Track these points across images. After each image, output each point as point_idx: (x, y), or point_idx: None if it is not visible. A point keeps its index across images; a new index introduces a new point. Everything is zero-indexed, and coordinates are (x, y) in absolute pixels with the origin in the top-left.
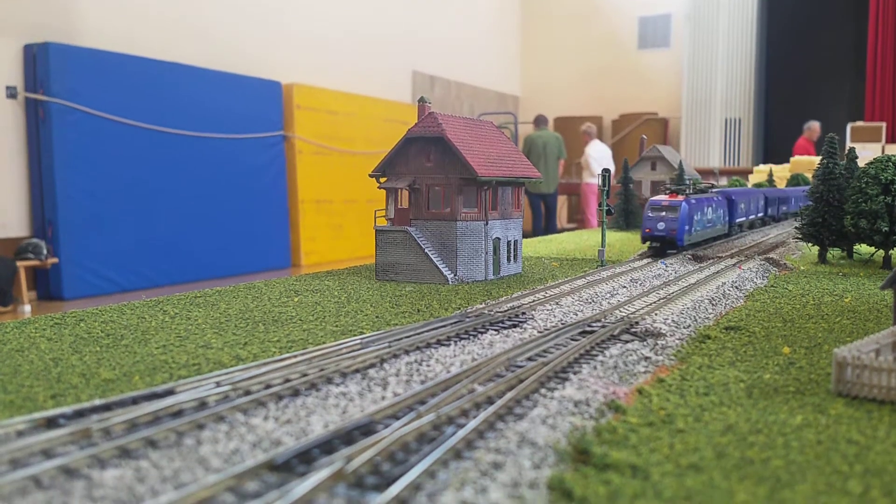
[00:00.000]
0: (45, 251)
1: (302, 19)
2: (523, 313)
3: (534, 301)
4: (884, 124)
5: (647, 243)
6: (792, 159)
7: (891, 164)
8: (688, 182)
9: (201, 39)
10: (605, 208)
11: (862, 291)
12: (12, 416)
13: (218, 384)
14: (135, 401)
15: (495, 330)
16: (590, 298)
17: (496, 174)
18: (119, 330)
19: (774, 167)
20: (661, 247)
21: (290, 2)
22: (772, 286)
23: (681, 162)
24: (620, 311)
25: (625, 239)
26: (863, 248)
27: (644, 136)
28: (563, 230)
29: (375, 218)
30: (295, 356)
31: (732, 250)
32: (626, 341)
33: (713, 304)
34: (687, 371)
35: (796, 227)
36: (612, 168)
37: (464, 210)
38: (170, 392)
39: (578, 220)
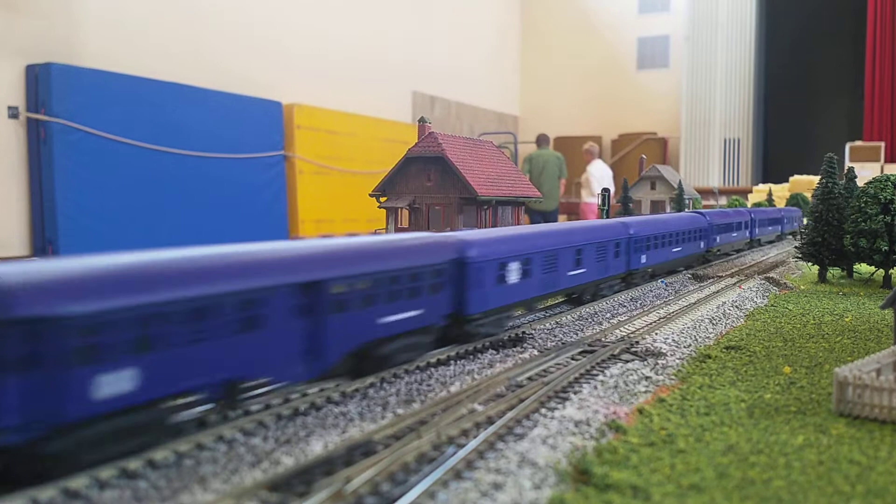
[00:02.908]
0: None
1: (303, 40)
2: (524, 332)
3: (532, 320)
4: (882, 144)
5: None
6: (791, 178)
7: (890, 183)
8: None
9: (203, 60)
10: None
11: (862, 311)
12: None
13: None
14: None
15: (495, 350)
16: (589, 316)
17: (496, 194)
18: None
19: (774, 186)
20: None
21: (292, 23)
22: (772, 305)
23: (680, 182)
24: (621, 331)
25: None
26: (863, 268)
27: (643, 156)
28: None
29: None
30: None
31: (732, 269)
32: (627, 361)
33: (714, 324)
34: (688, 391)
35: (796, 247)
36: (612, 188)
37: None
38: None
39: None
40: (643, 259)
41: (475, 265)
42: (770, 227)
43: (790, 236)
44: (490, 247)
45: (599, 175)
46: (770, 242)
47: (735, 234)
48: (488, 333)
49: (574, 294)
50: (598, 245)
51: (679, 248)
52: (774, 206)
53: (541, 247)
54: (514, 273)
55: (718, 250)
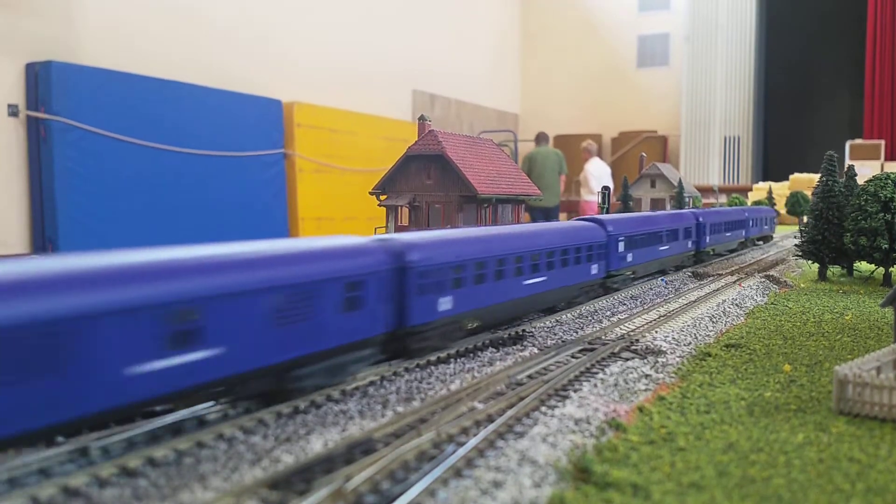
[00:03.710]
0: None
1: (303, 39)
2: (524, 330)
3: (532, 317)
4: (882, 142)
5: None
6: (791, 177)
7: (890, 181)
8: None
9: (203, 58)
10: None
11: (862, 309)
12: None
13: (217, 402)
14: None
15: (495, 348)
16: (589, 314)
17: (496, 192)
18: None
19: (774, 185)
20: None
21: (292, 21)
22: (772, 303)
23: (680, 180)
24: (621, 329)
25: None
26: (863, 266)
27: (643, 154)
28: None
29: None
30: None
31: (732, 268)
32: (627, 359)
33: (714, 322)
34: (688, 389)
35: (796, 245)
36: (612, 186)
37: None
38: (170, 410)
39: None
40: (446, 304)
41: None
42: (728, 234)
43: (759, 242)
44: None
45: (598, 173)
46: (732, 251)
47: (665, 248)
48: None
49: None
50: (312, 287)
51: (542, 278)
52: (774, 204)
53: (92, 308)
54: None
55: (633, 272)
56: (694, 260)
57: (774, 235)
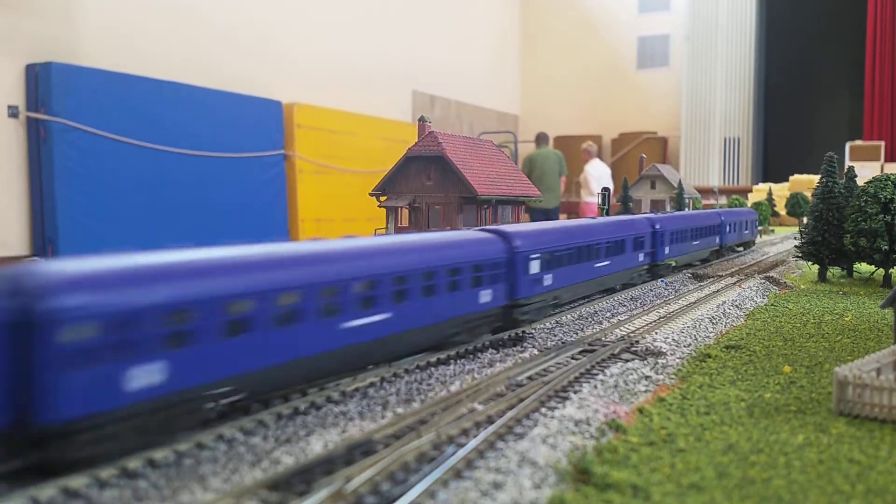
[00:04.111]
0: None
1: (303, 40)
2: (524, 331)
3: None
4: (882, 143)
5: None
6: (791, 178)
7: (890, 182)
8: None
9: (202, 59)
10: None
11: (862, 310)
12: None
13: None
14: None
15: (495, 349)
16: (589, 316)
17: (496, 193)
18: None
19: (774, 186)
20: None
21: (292, 22)
22: (772, 305)
23: (680, 181)
24: (621, 330)
25: None
26: (863, 267)
27: (643, 155)
28: None
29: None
30: None
31: (732, 269)
32: (627, 360)
33: (714, 323)
34: (688, 390)
35: (796, 247)
36: (612, 187)
37: (464, 228)
38: None
39: None
40: (148, 376)
41: None
42: (697, 242)
43: (739, 248)
44: None
45: (598, 174)
46: (704, 261)
47: (605, 264)
48: None
49: None
50: None
51: (383, 316)
52: (775, 205)
53: None
54: None
55: (555, 298)
56: (649, 275)
57: (774, 238)
